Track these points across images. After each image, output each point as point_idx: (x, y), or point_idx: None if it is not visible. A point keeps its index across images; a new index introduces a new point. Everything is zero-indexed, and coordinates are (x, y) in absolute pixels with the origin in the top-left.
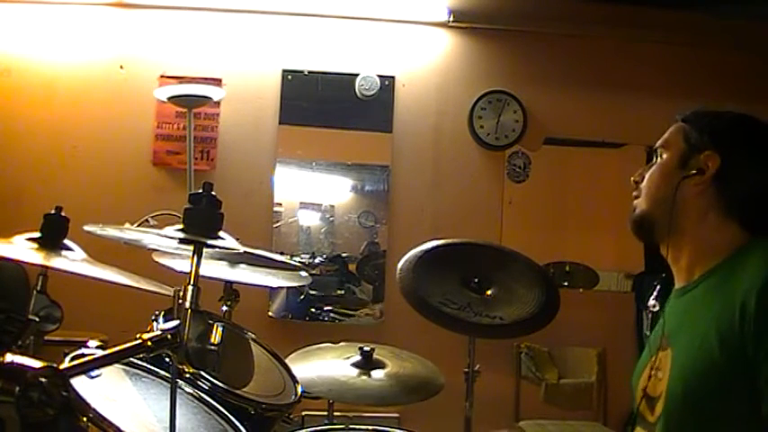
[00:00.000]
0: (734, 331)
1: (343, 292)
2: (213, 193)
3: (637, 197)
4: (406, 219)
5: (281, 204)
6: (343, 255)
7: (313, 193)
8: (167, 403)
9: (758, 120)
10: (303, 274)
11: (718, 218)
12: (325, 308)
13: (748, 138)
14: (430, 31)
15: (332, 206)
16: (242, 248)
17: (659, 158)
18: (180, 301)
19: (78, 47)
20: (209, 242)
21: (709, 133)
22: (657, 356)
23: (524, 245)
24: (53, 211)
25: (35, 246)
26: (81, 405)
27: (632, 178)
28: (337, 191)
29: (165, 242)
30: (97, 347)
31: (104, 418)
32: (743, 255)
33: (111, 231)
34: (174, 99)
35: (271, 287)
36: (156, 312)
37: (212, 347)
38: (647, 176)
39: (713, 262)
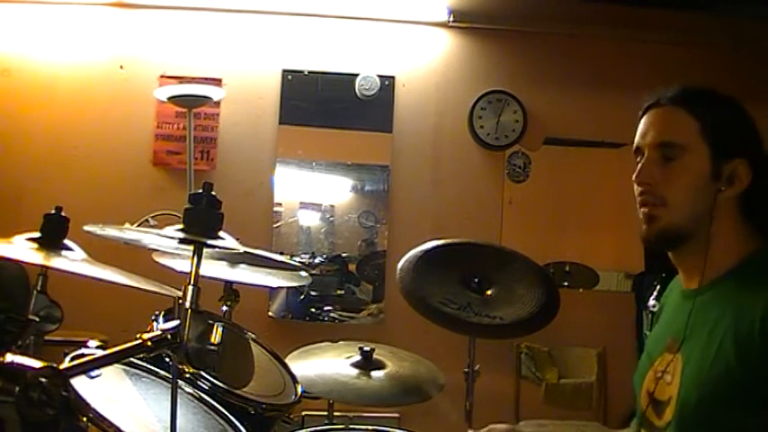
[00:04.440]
0: (753, 341)
1: (343, 292)
2: (213, 193)
3: (652, 204)
4: (406, 219)
5: (281, 204)
6: (343, 255)
7: (313, 193)
8: (167, 403)
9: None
10: (303, 274)
11: (741, 223)
12: (325, 308)
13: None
14: (430, 31)
15: (332, 206)
16: (242, 248)
17: (675, 159)
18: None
19: (78, 47)
20: (210, 242)
21: (734, 138)
22: (664, 358)
23: (524, 245)
24: (53, 211)
25: (35, 246)
26: (81, 405)
27: (639, 179)
28: (337, 191)
29: (165, 242)
30: (97, 347)
31: (104, 418)
32: (760, 261)
33: (111, 231)
34: (174, 99)
35: (271, 287)
36: (156, 312)
37: (212, 347)
38: (674, 184)
39: (727, 265)
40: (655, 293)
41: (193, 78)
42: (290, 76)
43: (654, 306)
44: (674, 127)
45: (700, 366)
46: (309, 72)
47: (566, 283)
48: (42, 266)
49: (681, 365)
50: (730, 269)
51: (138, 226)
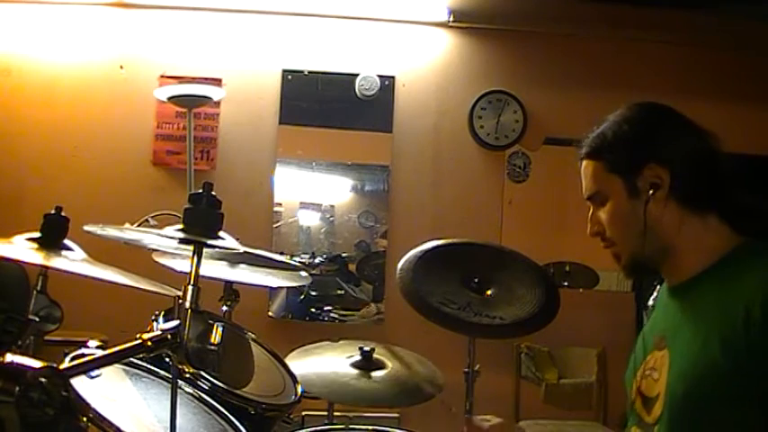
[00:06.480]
0: (738, 337)
1: (343, 292)
2: (213, 193)
3: (610, 246)
4: (406, 219)
5: (281, 204)
6: (343, 255)
7: (313, 193)
8: (167, 403)
9: (641, 105)
10: (303, 274)
11: (694, 218)
12: (325, 308)
13: (660, 127)
14: (430, 31)
15: (332, 206)
16: (242, 248)
17: (605, 203)
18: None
19: (78, 47)
20: (209, 242)
21: (632, 153)
22: (653, 356)
23: (524, 245)
24: (53, 211)
25: (35, 246)
26: (81, 405)
27: (589, 231)
28: (337, 191)
29: (165, 242)
30: (97, 347)
31: (104, 418)
32: (742, 257)
33: (111, 231)
34: (174, 99)
35: (271, 287)
36: (156, 312)
37: (212, 347)
38: (607, 228)
39: (707, 261)
40: (655, 293)
41: (193, 78)
42: (290, 76)
43: (654, 306)
44: (589, 178)
45: (686, 362)
46: (309, 72)
47: (566, 283)
48: (42, 266)
49: (668, 362)
50: (711, 265)
51: (138, 226)
